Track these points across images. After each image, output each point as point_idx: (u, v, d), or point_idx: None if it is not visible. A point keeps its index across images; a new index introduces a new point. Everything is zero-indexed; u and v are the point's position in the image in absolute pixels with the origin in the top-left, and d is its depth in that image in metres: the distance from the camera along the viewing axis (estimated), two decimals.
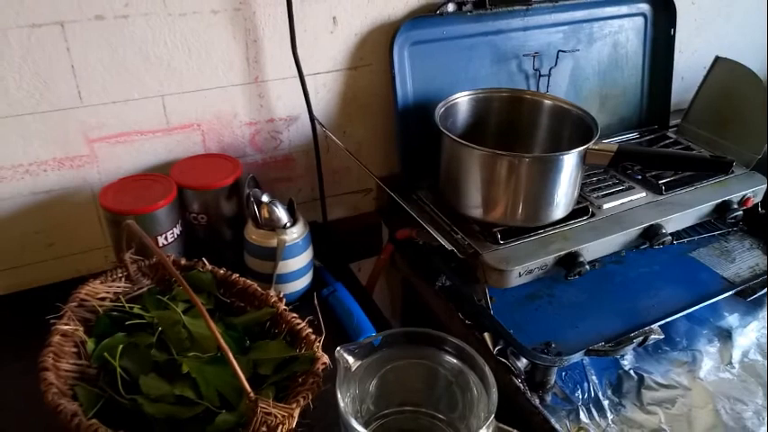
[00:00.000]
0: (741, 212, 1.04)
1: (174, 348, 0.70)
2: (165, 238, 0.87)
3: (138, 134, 0.92)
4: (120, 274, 0.77)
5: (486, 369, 0.63)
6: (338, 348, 0.65)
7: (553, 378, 0.84)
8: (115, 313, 0.73)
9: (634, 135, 1.23)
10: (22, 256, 0.93)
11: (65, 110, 0.86)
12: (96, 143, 0.90)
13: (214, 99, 0.94)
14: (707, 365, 0.89)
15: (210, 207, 0.91)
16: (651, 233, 0.95)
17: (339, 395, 0.61)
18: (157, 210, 0.85)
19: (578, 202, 0.96)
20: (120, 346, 0.69)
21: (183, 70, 0.90)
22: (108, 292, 0.75)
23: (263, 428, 0.57)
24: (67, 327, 0.68)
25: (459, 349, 0.66)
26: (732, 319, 0.96)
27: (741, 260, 1.03)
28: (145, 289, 0.78)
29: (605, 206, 0.98)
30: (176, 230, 0.89)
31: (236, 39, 0.91)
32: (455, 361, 0.67)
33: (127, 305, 0.74)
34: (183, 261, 0.80)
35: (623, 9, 1.16)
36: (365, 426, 0.62)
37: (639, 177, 1.06)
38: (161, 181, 0.89)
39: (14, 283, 0.94)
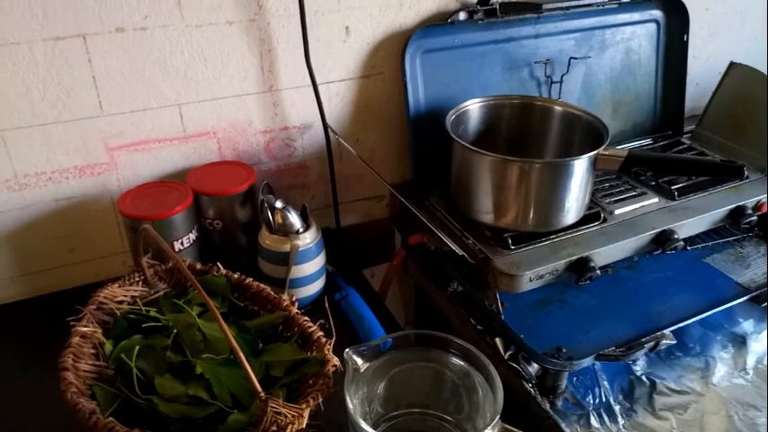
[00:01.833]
0: (756, 218, 1.03)
1: (189, 350, 0.72)
2: (182, 244, 0.89)
3: (155, 142, 0.94)
4: (138, 279, 0.79)
5: (492, 369, 0.63)
6: (347, 350, 0.66)
7: (564, 383, 0.84)
8: (132, 316, 0.76)
9: (648, 141, 1.23)
10: (44, 261, 0.96)
11: (86, 119, 0.89)
12: (116, 151, 0.93)
13: (229, 108, 0.96)
14: (720, 371, 0.88)
15: (225, 213, 0.93)
16: (663, 239, 0.95)
17: (348, 396, 0.62)
18: (174, 215, 0.87)
19: (590, 208, 0.96)
20: (137, 347, 0.71)
21: (200, 80, 0.93)
22: (126, 296, 0.77)
23: (273, 428, 0.58)
24: (86, 329, 0.71)
25: (465, 351, 0.67)
26: (747, 325, 0.95)
27: (756, 266, 1.02)
28: (161, 293, 0.80)
29: (617, 212, 0.98)
30: (192, 236, 0.91)
31: (250, 49, 0.93)
32: (462, 363, 0.67)
33: (143, 308, 0.76)
34: (199, 266, 0.82)
35: (635, 16, 1.16)
36: (374, 427, 0.63)
37: (652, 183, 1.06)
38: (177, 187, 0.91)
39: (37, 287, 0.97)
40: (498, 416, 0.60)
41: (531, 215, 0.91)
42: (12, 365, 0.84)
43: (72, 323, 0.70)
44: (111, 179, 0.94)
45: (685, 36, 1.19)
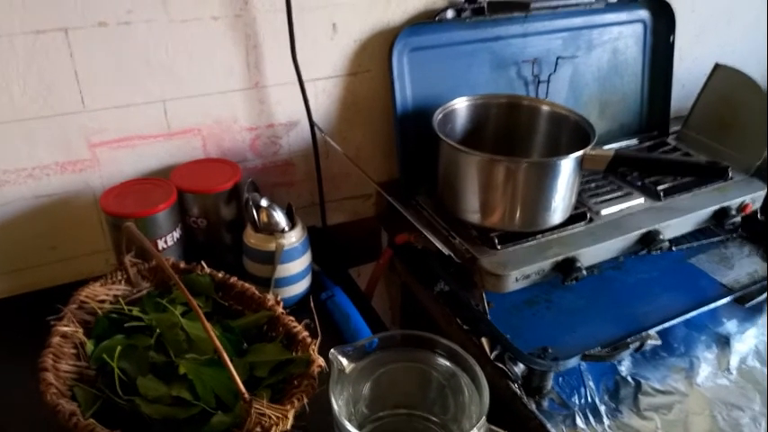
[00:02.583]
0: (740, 219, 1.04)
1: (172, 350, 0.71)
2: (165, 242, 0.88)
3: (139, 139, 0.93)
4: (120, 277, 0.78)
5: (478, 370, 0.63)
6: (332, 350, 0.65)
7: (550, 383, 0.84)
8: (114, 315, 0.75)
9: (634, 141, 1.23)
10: (25, 259, 0.94)
11: (68, 115, 0.87)
12: (98, 147, 0.91)
13: (214, 104, 0.95)
14: (704, 372, 0.89)
15: (210, 211, 0.92)
16: (649, 239, 0.95)
17: (332, 397, 0.61)
18: (157, 213, 0.86)
19: (576, 208, 0.96)
20: (119, 347, 0.70)
21: (184, 76, 0.91)
22: (108, 295, 0.76)
23: (258, 429, 0.58)
24: (67, 328, 0.69)
25: (451, 352, 0.67)
26: (730, 326, 0.96)
27: (740, 266, 1.03)
28: (144, 292, 0.79)
29: (603, 212, 0.98)
30: (176, 234, 0.90)
31: (236, 44, 0.92)
32: (448, 363, 0.67)
33: (126, 307, 0.75)
34: (182, 264, 0.81)
35: (622, 16, 1.16)
36: (359, 428, 0.62)
37: (638, 183, 1.06)
38: (161, 185, 0.90)
39: (18, 286, 0.95)
40: (484, 417, 0.59)
41: (518, 215, 0.91)
42: None
43: (52, 322, 0.69)
44: (93, 176, 0.93)
45: (672, 37, 1.20)
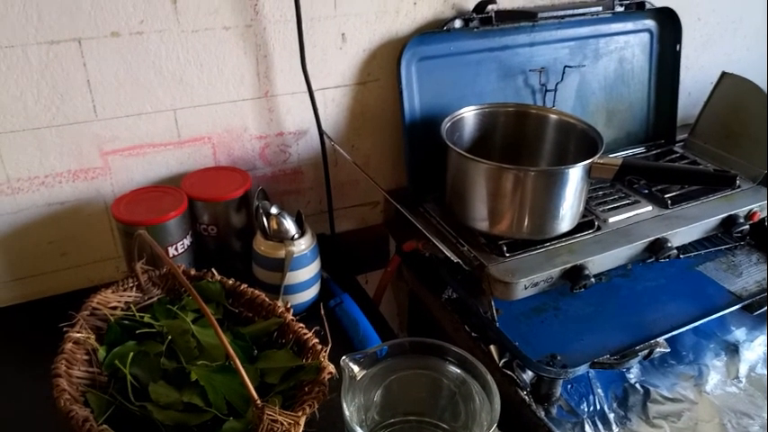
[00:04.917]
0: (748, 227, 1.04)
1: (183, 357, 0.72)
2: (176, 249, 0.88)
3: (150, 147, 0.94)
4: (132, 284, 0.78)
5: (489, 378, 0.64)
6: (344, 358, 0.66)
7: (558, 390, 0.84)
8: (126, 322, 0.75)
9: (641, 150, 1.24)
10: (37, 266, 0.95)
11: (80, 123, 0.88)
12: (110, 156, 0.92)
13: (225, 113, 0.96)
14: (713, 379, 0.89)
15: (220, 218, 0.93)
16: (657, 247, 0.95)
17: (344, 404, 0.62)
18: (168, 221, 0.86)
19: (584, 216, 0.97)
20: (131, 354, 0.70)
21: (195, 85, 0.92)
22: (119, 302, 0.77)
23: None
24: (79, 335, 0.70)
25: (462, 359, 0.67)
26: (739, 334, 0.96)
27: (748, 274, 1.03)
28: (155, 298, 0.80)
29: (611, 220, 0.99)
30: (186, 241, 0.90)
31: (246, 54, 0.93)
32: (458, 371, 0.67)
33: (137, 314, 0.76)
34: (193, 271, 0.81)
35: (629, 25, 1.17)
36: None
37: (646, 191, 1.07)
38: (172, 193, 0.91)
39: (30, 292, 0.96)
40: (495, 424, 0.60)
41: (526, 223, 0.92)
42: (3, 371, 0.83)
43: (65, 329, 0.70)
44: (104, 184, 0.94)
45: (678, 46, 1.20)
